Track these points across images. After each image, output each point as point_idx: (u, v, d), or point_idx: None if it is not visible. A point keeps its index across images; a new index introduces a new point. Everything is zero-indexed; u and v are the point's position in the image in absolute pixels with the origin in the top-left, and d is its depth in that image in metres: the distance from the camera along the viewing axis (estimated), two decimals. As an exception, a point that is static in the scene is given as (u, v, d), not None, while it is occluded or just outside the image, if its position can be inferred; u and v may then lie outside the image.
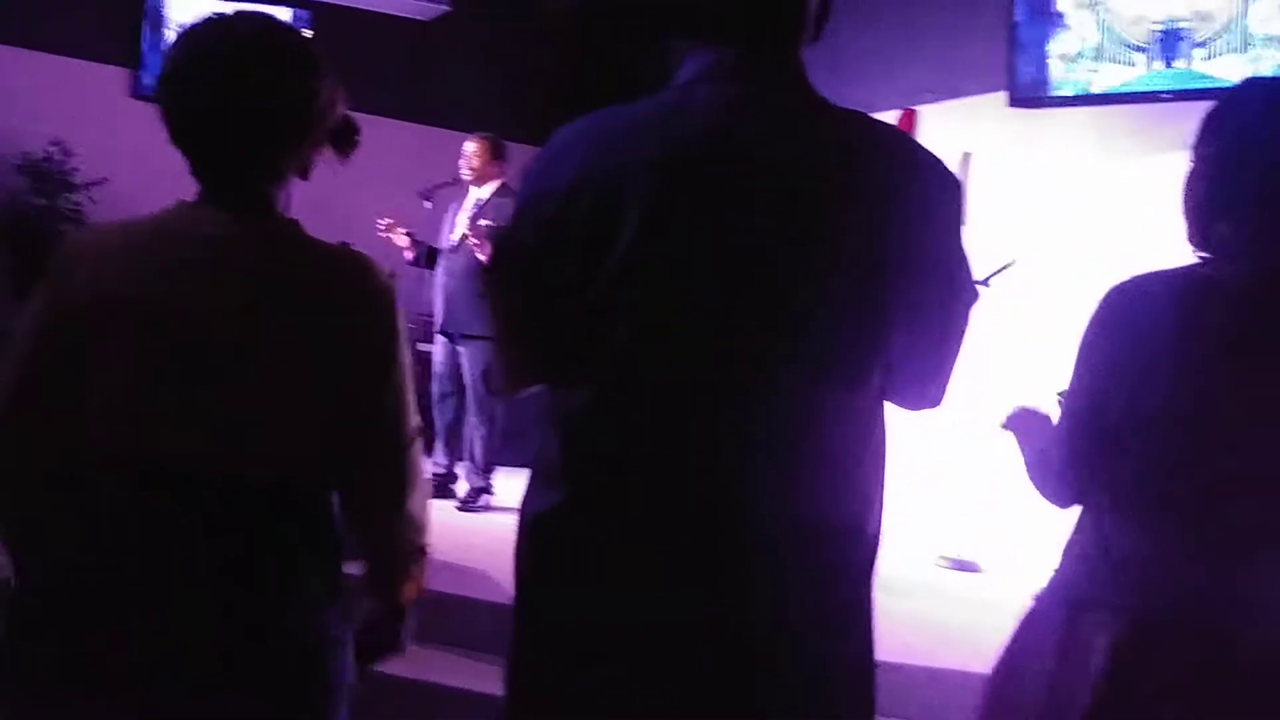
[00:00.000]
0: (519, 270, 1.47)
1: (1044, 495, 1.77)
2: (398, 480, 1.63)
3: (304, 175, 1.65)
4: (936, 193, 1.43)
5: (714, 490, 1.35)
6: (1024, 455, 1.85)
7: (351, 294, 1.56)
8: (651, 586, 1.36)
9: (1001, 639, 1.81)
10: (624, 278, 1.36)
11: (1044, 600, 1.73)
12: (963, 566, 5.31)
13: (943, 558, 5.35)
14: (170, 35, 8.49)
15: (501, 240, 1.55)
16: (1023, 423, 1.89)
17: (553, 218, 1.41)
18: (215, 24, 1.57)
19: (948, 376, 1.49)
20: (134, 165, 8.13)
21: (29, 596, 1.56)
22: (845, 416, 1.39)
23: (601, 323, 1.38)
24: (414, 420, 1.66)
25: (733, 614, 1.35)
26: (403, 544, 1.69)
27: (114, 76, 8.55)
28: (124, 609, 1.50)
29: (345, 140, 1.68)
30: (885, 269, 1.38)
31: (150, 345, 1.51)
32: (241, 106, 1.54)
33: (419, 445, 1.67)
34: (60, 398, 1.54)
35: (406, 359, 1.62)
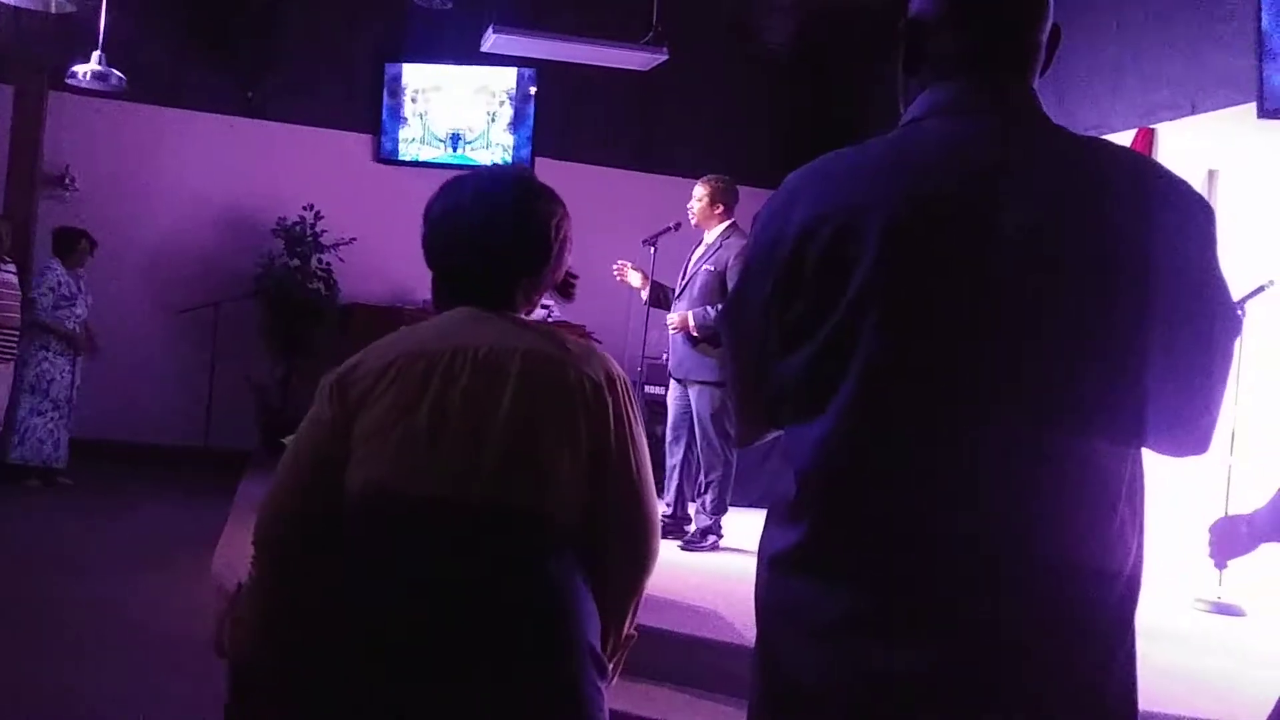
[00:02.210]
0: (753, 317, 1.48)
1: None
2: (640, 554, 1.78)
3: (529, 310, 1.87)
4: (1187, 218, 1.36)
5: (952, 527, 1.32)
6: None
7: (593, 372, 1.73)
8: (896, 623, 1.34)
9: (1270, 690, 1.70)
10: (860, 315, 1.35)
11: None
12: (1224, 610, 4.98)
13: (1201, 600, 5.03)
14: (407, 103, 9.01)
15: (734, 290, 1.56)
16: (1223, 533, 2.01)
17: (786, 261, 1.41)
18: (476, 177, 1.88)
19: (1214, 416, 1.38)
20: (377, 225, 8.66)
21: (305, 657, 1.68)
22: (1095, 455, 1.33)
23: (836, 361, 1.37)
24: (656, 504, 1.80)
25: (981, 649, 1.32)
26: (624, 623, 1.81)
27: (357, 143, 9.15)
28: (404, 644, 1.59)
29: (568, 287, 1.95)
30: (1135, 302, 1.31)
31: (416, 403, 1.66)
32: (501, 246, 1.81)
33: (659, 530, 1.81)
34: (333, 478, 1.69)
35: (643, 442, 1.78)
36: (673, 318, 5.53)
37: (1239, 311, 4.97)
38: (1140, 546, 1.38)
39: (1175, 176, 1.39)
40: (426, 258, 1.85)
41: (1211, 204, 1.41)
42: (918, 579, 1.33)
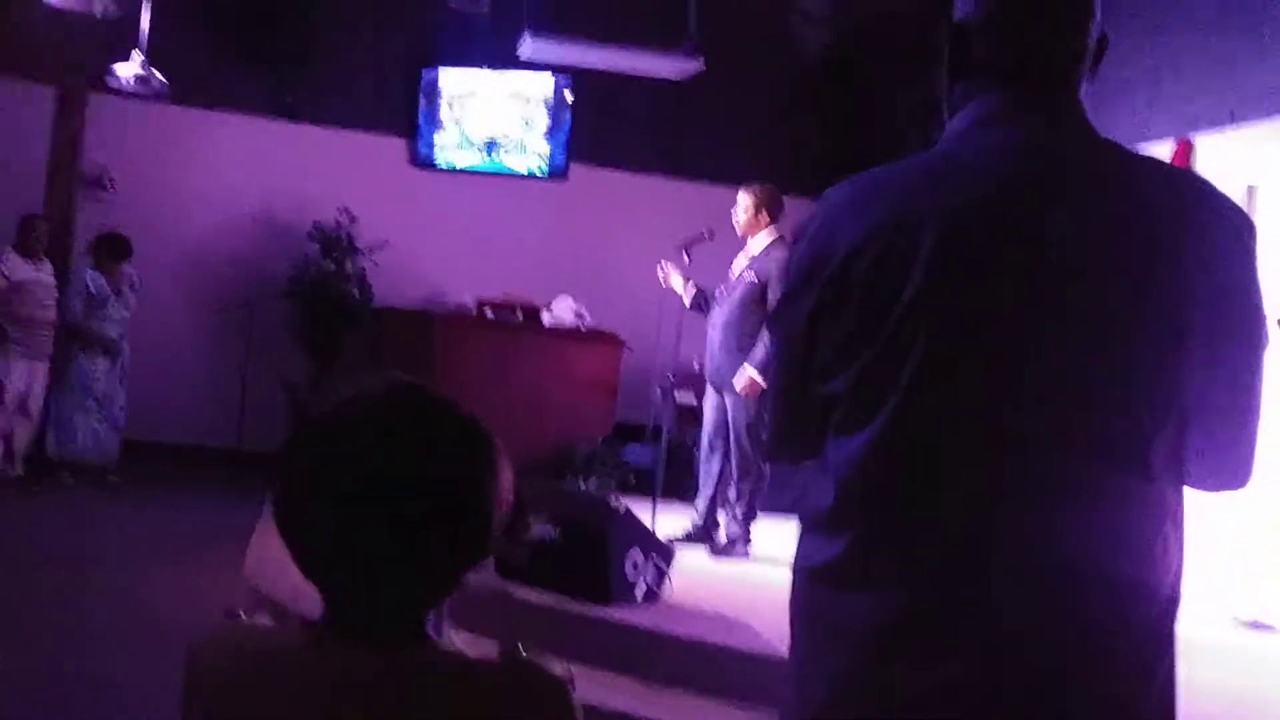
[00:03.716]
0: (798, 334, 1.46)
1: None
2: None
3: (462, 591, 1.24)
4: (1232, 236, 1.35)
5: (992, 541, 1.31)
6: None
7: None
8: (935, 636, 1.33)
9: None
10: (910, 331, 1.34)
11: None
12: (1260, 627, 4.91)
13: (1237, 618, 4.96)
14: (443, 108, 9.02)
15: (779, 307, 1.53)
16: None
17: (833, 277, 1.40)
18: (354, 412, 1.17)
19: (1253, 442, 1.37)
20: (411, 229, 8.69)
21: None
22: (1137, 472, 1.32)
23: (883, 376, 1.36)
24: None
25: (1021, 662, 1.31)
26: None
27: (392, 146, 9.19)
28: None
29: (518, 531, 1.39)
30: (1178, 319, 1.31)
31: None
32: (398, 527, 1.15)
33: None
34: None
35: None
36: (740, 381, 5.42)
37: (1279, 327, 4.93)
38: (1180, 564, 1.37)
39: (1219, 193, 1.38)
40: (286, 542, 1.20)
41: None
42: (957, 592, 1.33)
